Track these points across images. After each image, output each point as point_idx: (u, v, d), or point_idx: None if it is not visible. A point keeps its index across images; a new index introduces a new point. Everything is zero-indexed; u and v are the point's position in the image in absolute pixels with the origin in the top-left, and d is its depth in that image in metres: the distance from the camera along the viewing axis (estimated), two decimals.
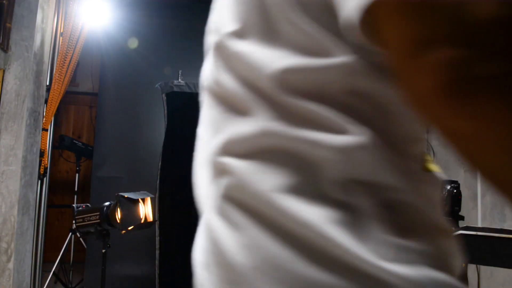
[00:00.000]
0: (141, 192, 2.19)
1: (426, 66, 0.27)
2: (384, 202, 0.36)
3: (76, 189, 3.93)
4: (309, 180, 0.37)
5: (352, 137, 0.36)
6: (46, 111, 2.92)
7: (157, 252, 2.87)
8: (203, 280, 0.45)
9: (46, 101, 2.95)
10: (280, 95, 0.38)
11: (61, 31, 3.19)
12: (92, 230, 2.11)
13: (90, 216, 2.09)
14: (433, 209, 0.39)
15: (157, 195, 2.87)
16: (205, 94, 0.51)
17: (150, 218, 2.14)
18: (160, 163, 2.94)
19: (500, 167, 0.27)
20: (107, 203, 2.09)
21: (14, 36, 2.56)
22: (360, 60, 0.36)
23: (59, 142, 3.77)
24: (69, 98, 4.51)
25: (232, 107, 0.44)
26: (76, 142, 3.89)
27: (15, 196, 2.45)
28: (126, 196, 2.02)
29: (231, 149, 0.42)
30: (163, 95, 3.02)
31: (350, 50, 0.36)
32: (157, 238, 2.88)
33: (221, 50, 0.46)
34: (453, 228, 0.42)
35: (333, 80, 0.37)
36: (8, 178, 2.45)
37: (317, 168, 0.37)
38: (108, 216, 2.04)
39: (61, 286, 3.44)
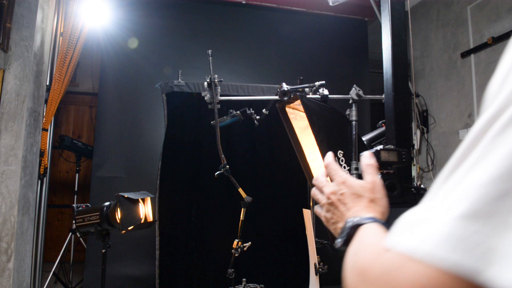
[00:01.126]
0: (141, 192, 2.19)
1: None
2: None
3: (76, 189, 3.93)
4: None
5: None
6: (46, 111, 2.92)
7: (157, 252, 2.87)
8: None
9: (46, 101, 2.94)
10: None
11: (61, 31, 3.19)
12: (92, 230, 2.11)
13: (90, 216, 2.09)
14: None
15: (157, 195, 2.87)
16: None
17: (150, 218, 2.13)
18: (160, 163, 2.94)
19: None
20: (107, 203, 2.08)
21: (14, 36, 2.56)
22: None
23: (59, 142, 3.77)
24: (69, 98, 4.52)
25: None
26: (76, 142, 3.89)
27: (15, 196, 2.45)
28: (126, 196, 2.02)
29: None
30: (163, 95, 3.01)
31: None
32: (157, 238, 2.88)
33: None
34: None
35: None
36: (8, 178, 2.45)
37: None
38: (108, 216, 2.04)
39: (61, 286, 3.44)
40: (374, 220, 0.57)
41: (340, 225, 0.62)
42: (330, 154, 0.72)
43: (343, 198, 0.63)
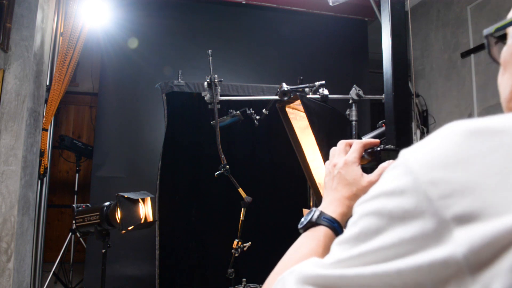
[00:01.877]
0: (141, 192, 2.19)
1: None
2: None
3: (76, 189, 3.93)
4: None
5: None
6: (46, 111, 2.92)
7: (157, 252, 2.86)
8: None
9: (46, 101, 2.94)
10: None
11: (61, 31, 3.19)
12: (92, 230, 2.11)
13: (90, 216, 2.09)
14: None
15: (157, 195, 2.87)
16: None
17: (150, 218, 2.13)
18: (160, 163, 2.94)
19: None
20: (107, 203, 2.08)
21: (14, 36, 2.56)
22: None
23: (59, 142, 3.77)
24: (69, 98, 4.51)
25: None
26: (76, 142, 3.89)
27: (15, 196, 2.45)
28: (126, 196, 2.02)
29: None
30: (163, 95, 3.01)
31: None
32: (157, 238, 2.88)
33: None
34: None
35: None
36: (8, 178, 2.45)
37: None
38: (108, 216, 2.04)
39: (61, 286, 3.45)
40: (332, 223, 0.59)
41: (324, 195, 0.66)
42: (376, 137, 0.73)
43: (337, 176, 0.65)
